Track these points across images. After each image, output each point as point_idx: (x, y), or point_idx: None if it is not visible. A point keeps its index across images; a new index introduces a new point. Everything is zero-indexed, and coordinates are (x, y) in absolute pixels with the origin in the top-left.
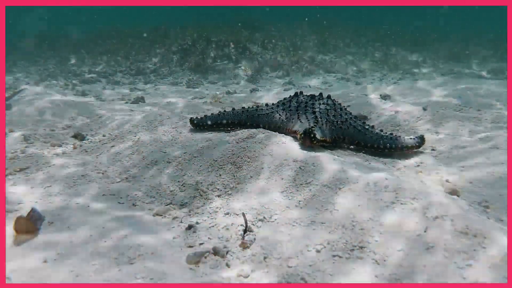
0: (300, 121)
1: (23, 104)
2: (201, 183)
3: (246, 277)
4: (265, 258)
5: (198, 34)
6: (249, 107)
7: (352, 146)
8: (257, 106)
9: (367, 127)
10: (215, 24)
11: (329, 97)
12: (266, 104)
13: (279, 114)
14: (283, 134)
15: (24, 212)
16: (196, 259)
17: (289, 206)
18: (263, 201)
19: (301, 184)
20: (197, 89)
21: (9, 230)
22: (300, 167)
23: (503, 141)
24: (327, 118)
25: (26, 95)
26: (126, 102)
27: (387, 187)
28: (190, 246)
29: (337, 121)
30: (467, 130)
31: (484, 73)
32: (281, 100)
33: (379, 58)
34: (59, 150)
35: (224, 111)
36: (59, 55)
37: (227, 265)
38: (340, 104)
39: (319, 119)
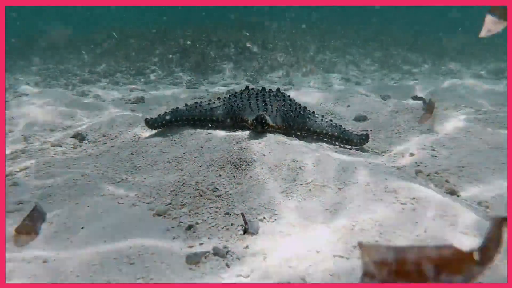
0: (251, 110)
1: (23, 104)
2: (201, 183)
3: (246, 277)
4: (265, 258)
5: (198, 34)
6: (201, 101)
7: (304, 133)
8: (209, 100)
9: (317, 115)
10: (215, 24)
11: (278, 90)
12: (218, 98)
13: (231, 106)
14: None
15: (24, 212)
16: (196, 259)
17: (289, 206)
18: (262, 201)
19: (301, 184)
20: (197, 89)
21: (9, 230)
22: (300, 167)
23: (503, 140)
24: (277, 107)
25: (26, 95)
26: (126, 102)
27: (386, 187)
28: (190, 246)
29: (287, 110)
30: (467, 130)
31: (483, 73)
32: (232, 93)
33: (379, 58)
34: (59, 150)
35: (177, 107)
36: (59, 55)
37: (227, 265)
38: (289, 96)
39: (269, 106)
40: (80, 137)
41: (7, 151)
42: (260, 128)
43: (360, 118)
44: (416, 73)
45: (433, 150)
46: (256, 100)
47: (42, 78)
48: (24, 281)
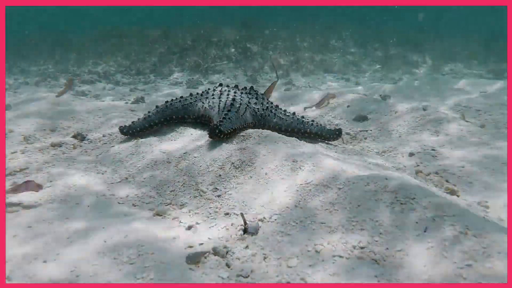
0: (218, 109)
1: (23, 104)
2: (201, 183)
3: (246, 277)
4: (265, 258)
5: (198, 34)
6: (172, 99)
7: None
8: (181, 97)
9: (288, 114)
10: (215, 24)
11: (252, 87)
12: (191, 94)
13: (202, 103)
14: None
15: (24, 212)
16: (196, 259)
17: (289, 206)
18: (262, 201)
19: (301, 184)
20: (197, 89)
21: (9, 230)
22: (300, 167)
23: (503, 140)
24: (248, 105)
25: (26, 95)
26: (126, 102)
27: (386, 187)
28: (190, 246)
29: (258, 108)
30: (466, 130)
31: (483, 73)
32: (205, 90)
33: (378, 58)
34: (59, 150)
35: (149, 112)
36: (59, 55)
37: (227, 265)
38: (262, 94)
39: (237, 105)
40: (80, 137)
41: (7, 151)
42: (215, 138)
43: (360, 118)
44: (416, 73)
45: (433, 150)
46: (227, 97)
47: (42, 78)
48: (24, 281)
